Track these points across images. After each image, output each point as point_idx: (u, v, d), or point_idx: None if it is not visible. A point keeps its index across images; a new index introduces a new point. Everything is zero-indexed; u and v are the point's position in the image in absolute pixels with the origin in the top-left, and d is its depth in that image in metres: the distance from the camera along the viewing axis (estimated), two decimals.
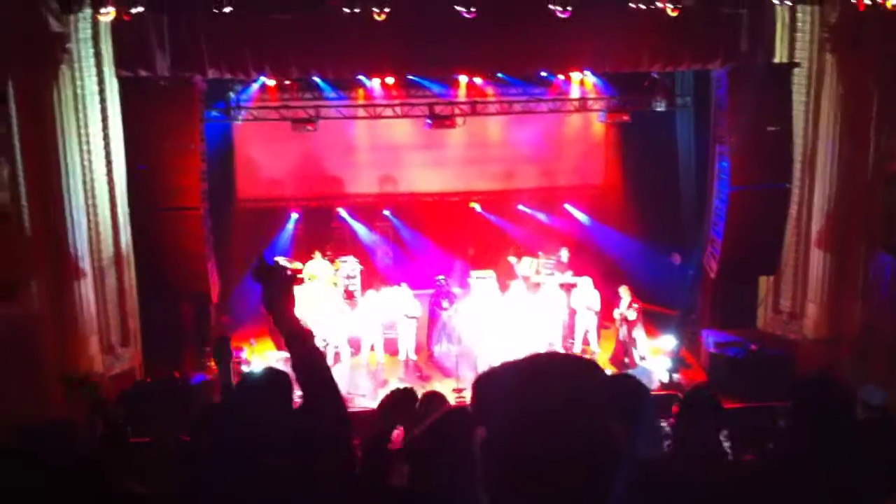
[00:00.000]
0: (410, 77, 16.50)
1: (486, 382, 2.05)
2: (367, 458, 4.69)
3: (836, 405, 3.87)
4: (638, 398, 2.86)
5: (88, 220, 13.58)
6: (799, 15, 14.30)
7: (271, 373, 4.06)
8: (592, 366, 2.04)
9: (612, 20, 13.82)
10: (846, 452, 3.50)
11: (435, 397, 5.92)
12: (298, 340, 3.13)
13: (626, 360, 15.74)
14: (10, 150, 12.35)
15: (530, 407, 1.87)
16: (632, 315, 15.59)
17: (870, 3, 12.85)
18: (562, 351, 15.42)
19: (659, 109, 16.66)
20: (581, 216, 19.61)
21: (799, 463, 3.32)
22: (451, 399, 13.43)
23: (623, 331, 15.78)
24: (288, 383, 3.92)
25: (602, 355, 16.10)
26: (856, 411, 4.11)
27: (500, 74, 16.84)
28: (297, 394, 3.53)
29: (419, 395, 5.96)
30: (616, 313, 15.79)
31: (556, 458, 1.82)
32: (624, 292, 15.74)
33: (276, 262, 3.22)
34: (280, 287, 3.17)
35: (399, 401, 5.28)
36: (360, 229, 19.41)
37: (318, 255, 17.48)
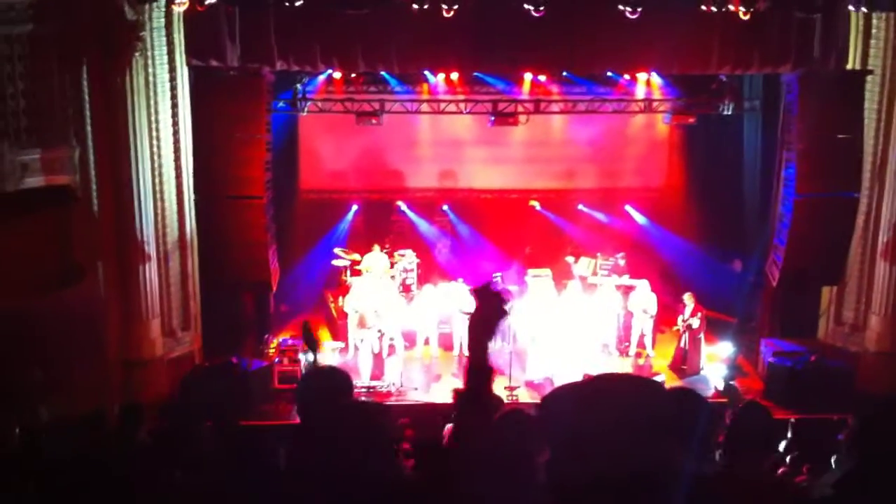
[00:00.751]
0: (475, 74, 16.51)
1: (553, 402, 2.08)
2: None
3: None
4: (696, 414, 2.86)
5: (155, 206, 13.84)
6: (874, 21, 13.99)
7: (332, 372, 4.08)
8: (656, 386, 2.05)
9: (681, 22, 13.68)
10: None
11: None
12: (481, 375, 3.09)
13: (685, 366, 15.54)
14: (83, 133, 12.64)
15: (594, 427, 1.89)
16: (696, 323, 15.33)
17: None
18: (623, 363, 15.35)
19: (726, 113, 16.45)
20: (641, 218, 19.42)
21: (863, 489, 3.27)
22: (504, 396, 13.52)
23: (685, 338, 15.56)
24: (347, 384, 3.96)
25: (657, 360, 15.99)
26: None
27: (565, 73, 16.78)
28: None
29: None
30: (679, 320, 15.58)
31: (618, 478, 1.84)
32: (688, 299, 15.50)
33: (501, 291, 3.14)
34: (493, 314, 3.12)
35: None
36: (420, 223, 19.48)
37: (376, 247, 17.60)
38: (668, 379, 15.01)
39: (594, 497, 1.87)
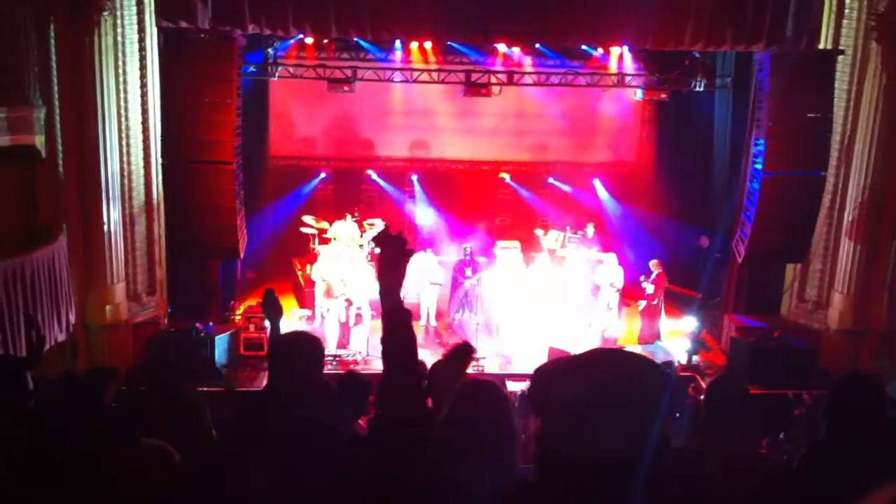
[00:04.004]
0: (449, 44, 16.41)
1: (546, 375, 2.07)
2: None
3: (872, 403, 3.84)
4: (665, 389, 2.86)
5: (121, 169, 13.66)
6: (847, 2, 14.06)
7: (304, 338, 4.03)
8: (651, 364, 2.05)
9: None
10: (879, 451, 3.48)
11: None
12: (399, 316, 3.07)
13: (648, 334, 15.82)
14: (49, 93, 12.42)
15: (590, 403, 1.88)
16: (650, 289, 15.63)
17: None
18: (589, 335, 15.47)
19: (698, 89, 16.51)
20: (604, 194, 19.51)
21: (831, 460, 3.31)
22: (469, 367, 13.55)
23: (643, 304, 15.82)
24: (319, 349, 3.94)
25: (623, 332, 16.15)
26: (888, 409, 4.07)
27: (538, 46, 16.72)
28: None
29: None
30: (643, 283, 15.82)
31: (613, 454, 1.84)
32: (654, 266, 15.79)
33: (400, 233, 3.15)
34: (397, 257, 3.11)
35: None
36: (390, 192, 19.43)
37: (348, 216, 17.53)
38: (628, 342, 15.33)
39: (587, 473, 1.88)
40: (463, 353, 5.42)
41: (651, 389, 1.94)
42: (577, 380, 1.95)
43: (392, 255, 3.08)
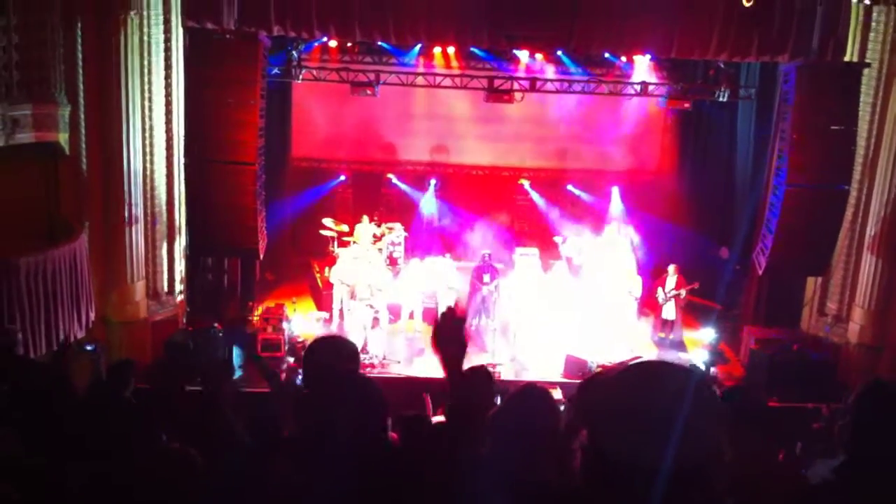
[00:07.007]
0: (472, 49, 16.42)
1: (593, 386, 2.08)
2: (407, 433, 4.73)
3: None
4: (714, 395, 2.85)
5: (144, 167, 13.71)
6: (874, 14, 13.98)
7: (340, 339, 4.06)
8: (700, 377, 2.04)
9: (682, 5, 13.66)
10: None
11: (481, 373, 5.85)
12: (464, 387, 3.25)
13: (670, 336, 15.77)
14: (75, 91, 12.48)
15: (638, 415, 1.88)
16: (683, 294, 15.72)
17: None
18: (607, 344, 15.43)
19: (721, 100, 16.44)
20: (619, 204, 19.40)
21: (860, 474, 3.28)
22: None
23: (670, 308, 15.85)
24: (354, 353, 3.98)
25: (640, 340, 16.09)
26: None
27: (560, 54, 16.71)
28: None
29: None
30: (660, 291, 15.81)
31: (663, 465, 1.83)
32: (672, 271, 15.84)
33: (462, 320, 3.36)
34: (455, 333, 3.28)
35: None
36: (410, 196, 19.45)
37: (365, 219, 17.56)
38: (648, 350, 15.27)
39: (634, 481, 1.87)
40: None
41: (697, 397, 1.93)
42: (624, 391, 1.95)
43: (449, 331, 3.16)
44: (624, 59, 16.75)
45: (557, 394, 11.91)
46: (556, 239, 17.78)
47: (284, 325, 14.71)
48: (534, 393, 3.32)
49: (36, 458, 4.30)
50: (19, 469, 4.20)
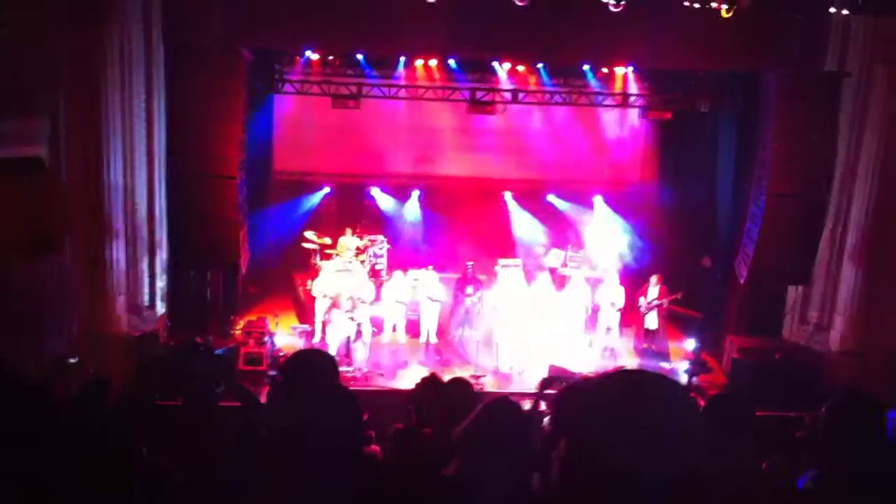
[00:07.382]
0: (452, 62, 16.43)
1: (571, 397, 2.06)
2: (400, 446, 4.70)
3: (868, 423, 3.82)
4: (695, 406, 2.83)
5: (125, 181, 13.62)
6: (853, 24, 14.09)
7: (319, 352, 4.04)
8: (680, 387, 2.03)
9: (664, 17, 13.70)
10: (875, 474, 3.45)
11: (461, 384, 5.84)
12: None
13: (651, 346, 15.78)
14: (55, 104, 12.39)
15: (618, 424, 1.86)
16: (665, 304, 15.78)
17: None
18: (590, 355, 15.46)
19: (702, 110, 16.51)
20: (605, 211, 19.42)
21: (828, 480, 3.29)
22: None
23: (653, 317, 15.89)
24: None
25: (623, 351, 16.11)
26: (886, 430, 4.05)
27: (541, 65, 16.74)
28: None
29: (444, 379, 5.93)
30: (642, 301, 15.83)
31: (642, 477, 1.82)
32: (655, 281, 15.86)
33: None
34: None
35: (427, 390, 5.32)
36: (392, 208, 19.41)
37: (348, 231, 17.51)
38: (630, 360, 15.27)
39: (613, 492, 1.85)
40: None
41: (676, 408, 1.92)
42: (602, 401, 1.93)
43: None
44: (605, 70, 16.76)
45: (541, 405, 11.90)
46: (538, 249, 17.78)
47: (266, 338, 14.63)
48: (501, 406, 3.29)
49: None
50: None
